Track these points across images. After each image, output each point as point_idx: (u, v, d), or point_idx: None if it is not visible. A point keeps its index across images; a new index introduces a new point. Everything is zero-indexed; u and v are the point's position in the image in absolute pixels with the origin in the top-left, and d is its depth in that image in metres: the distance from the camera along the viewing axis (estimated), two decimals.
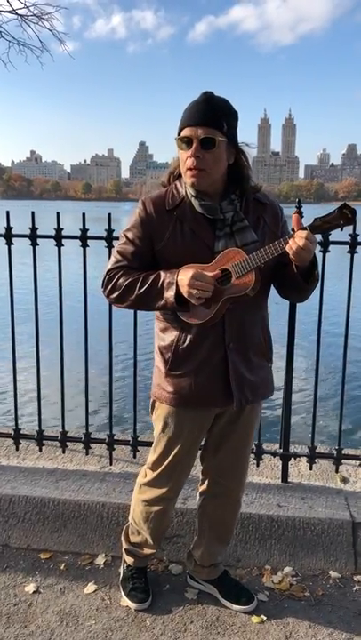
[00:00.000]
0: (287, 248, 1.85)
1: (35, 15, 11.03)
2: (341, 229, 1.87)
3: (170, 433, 2.21)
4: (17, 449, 3.33)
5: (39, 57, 11.19)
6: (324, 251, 2.85)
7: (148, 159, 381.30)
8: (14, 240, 3.04)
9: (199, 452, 2.37)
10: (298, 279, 1.98)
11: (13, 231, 3.01)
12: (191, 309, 1.99)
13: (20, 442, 3.32)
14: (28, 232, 2.98)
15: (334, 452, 3.10)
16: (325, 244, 2.84)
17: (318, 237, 2.48)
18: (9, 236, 3.01)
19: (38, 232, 2.99)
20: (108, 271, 2.09)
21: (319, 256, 2.84)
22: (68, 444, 3.28)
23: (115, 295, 2.07)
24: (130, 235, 2.08)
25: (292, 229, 1.89)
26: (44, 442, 3.29)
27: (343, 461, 3.13)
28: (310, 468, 3.15)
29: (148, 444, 2.72)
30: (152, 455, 2.30)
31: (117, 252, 2.11)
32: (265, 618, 2.36)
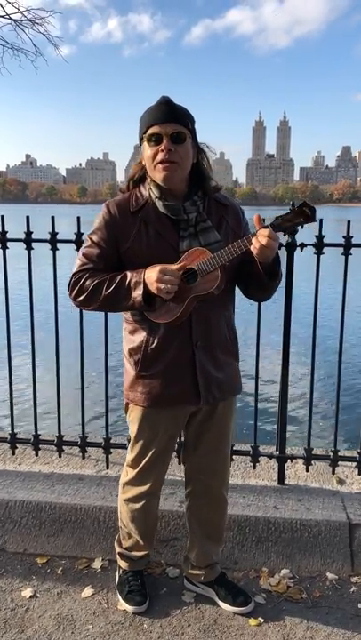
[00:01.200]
0: (251, 247, 1.90)
1: (28, 20, 11.05)
2: (302, 227, 1.93)
3: (145, 433, 2.26)
4: (13, 453, 3.33)
5: (33, 61, 11.21)
6: (318, 253, 2.87)
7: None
8: (9, 245, 3.05)
9: (181, 453, 2.41)
10: (262, 277, 2.04)
11: (9, 235, 3.01)
12: (158, 309, 2.03)
13: (17, 446, 3.32)
14: (23, 236, 2.98)
15: (331, 454, 3.10)
16: (319, 247, 2.85)
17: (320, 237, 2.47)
18: (3, 240, 3.01)
19: (34, 236, 2.99)
20: (74, 274, 2.12)
21: (313, 258, 2.87)
22: (64, 447, 3.28)
23: (81, 298, 2.09)
24: (95, 237, 2.12)
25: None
26: (40, 446, 3.29)
27: (339, 463, 3.14)
28: (307, 470, 3.15)
29: None
30: (130, 454, 2.34)
31: (83, 254, 2.14)
32: (262, 620, 2.35)
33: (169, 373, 2.13)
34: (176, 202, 2.06)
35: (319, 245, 2.84)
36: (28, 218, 2.94)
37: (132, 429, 2.29)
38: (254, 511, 2.83)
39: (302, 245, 2.88)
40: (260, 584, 2.57)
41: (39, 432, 3.27)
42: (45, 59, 11.08)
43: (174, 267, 1.97)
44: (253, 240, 1.89)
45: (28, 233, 2.98)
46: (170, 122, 1.99)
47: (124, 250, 2.09)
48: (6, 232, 3.01)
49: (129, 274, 2.02)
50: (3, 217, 2.97)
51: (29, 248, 3.02)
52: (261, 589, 2.54)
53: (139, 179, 2.14)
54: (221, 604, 2.44)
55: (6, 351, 3.23)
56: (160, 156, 2.00)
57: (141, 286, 1.97)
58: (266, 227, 1.89)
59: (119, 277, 2.03)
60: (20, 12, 11.09)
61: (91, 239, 2.13)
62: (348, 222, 2.79)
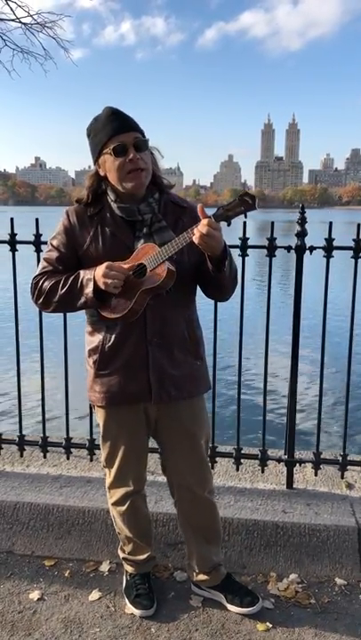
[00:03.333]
0: (194, 238, 1.93)
1: (38, 23, 11.10)
2: (245, 216, 1.95)
3: (111, 432, 2.31)
4: (21, 455, 3.33)
5: (43, 64, 11.25)
6: (328, 256, 2.85)
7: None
8: (19, 246, 3.06)
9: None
10: (211, 270, 2.06)
11: (20, 238, 3.03)
12: (111, 305, 2.09)
13: (25, 448, 3.32)
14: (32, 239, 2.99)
15: (340, 458, 3.08)
16: (329, 250, 2.84)
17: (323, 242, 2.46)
18: (13, 242, 3.03)
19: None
20: (34, 277, 2.20)
21: (323, 261, 2.86)
22: (72, 450, 3.28)
23: (41, 300, 2.18)
24: (54, 242, 2.21)
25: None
26: (48, 448, 3.29)
27: (348, 467, 3.11)
28: (315, 474, 3.13)
29: (154, 450, 2.72)
30: (102, 454, 2.38)
31: (44, 259, 2.23)
32: (270, 625, 2.34)
33: (125, 371, 2.18)
34: (131, 204, 2.12)
35: (329, 248, 2.83)
36: (12, 220, 2.95)
37: (100, 428, 2.36)
38: (263, 515, 2.81)
39: (312, 248, 2.87)
40: (268, 589, 2.56)
41: (47, 434, 3.27)
42: (55, 62, 11.12)
43: (124, 263, 2.05)
44: (195, 230, 1.93)
45: (13, 234, 3.02)
46: (129, 131, 2.06)
47: (81, 253, 2.16)
48: (16, 234, 3.02)
49: (82, 272, 2.10)
50: (12, 220, 2.98)
51: (14, 249, 3.07)
52: (270, 594, 2.52)
53: (98, 189, 2.18)
54: (229, 606, 2.43)
55: (15, 354, 3.23)
56: (130, 166, 2.05)
57: (92, 283, 2.04)
58: (208, 217, 1.93)
59: (73, 276, 2.11)
60: (30, 16, 11.15)
61: (51, 244, 2.22)
62: (359, 225, 2.77)
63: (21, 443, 3.28)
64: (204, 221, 1.92)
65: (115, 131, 2.04)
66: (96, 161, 2.13)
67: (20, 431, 3.28)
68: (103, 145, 2.07)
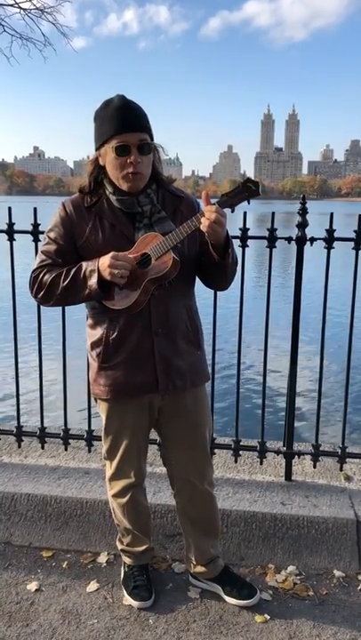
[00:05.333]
0: (201, 226, 1.92)
1: (37, 9, 10.97)
2: (248, 202, 1.95)
3: (114, 425, 2.28)
4: (19, 446, 3.32)
5: (42, 51, 11.13)
6: (329, 247, 2.83)
7: None
8: (16, 237, 3.03)
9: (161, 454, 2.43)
10: (214, 257, 2.05)
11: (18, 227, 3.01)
12: (116, 296, 2.06)
13: (23, 439, 3.30)
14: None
15: (338, 451, 3.08)
16: (330, 241, 2.81)
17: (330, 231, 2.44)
18: (11, 232, 3.00)
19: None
20: (33, 271, 2.16)
21: (323, 252, 2.84)
22: (70, 441, 3.27)
23: (41, 294, 2.13)
24: (52, 235, 2.16)
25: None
26: (46, 439, 3.27)
27: (347, 460, 3.10)
28: (314, 467, 3.13)
29: (152, 442, 2.71)
30: (103, 446, 2.36)
31: (41, 252, 2.18)
32: (268, 617, 2.34)
33: (130, 363, 2.16)
34: (129, 196, 2.09)
35: (330, 239, 2.81)
36: (10, 209, 2.93)
37: (102, 421, 2.33)
38: (261, 507, 2.80)
39: (312, 239, 2.85)
40: (266, 581, 2.55)
41: (45, 425, 3.26)
42: (55, 49, 10.99)
43: (128, 253, 2.02)
44: (202, 218, 1.92)
45: (10, 224, 2.98)
46: (137, 131, 2.01)
47: (80, 244, 2.12)
48: (14, 224, 2.99)
49: (84, 264, 2.06)
50: (10, 208, 2.95)
51: (12, 239, 3.03)
52: (268, 586, 2.52)
53: (98, 176, 2.14)
54: (227, 598, 2.42)
55: (12, 343, 3.21)
56: (129, 168, 2.02)
57: (96, 274, 2.00)
58: (212, 204, 1.93)
59: (75, 268, 2.07)
60: (30, 1, 11.01)
61: (48, 236, 2.17)
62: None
63: (19, 433, 3.27)
64: (212, 208, 1.91)
65: (121, 127, 1.99)
66: (98, 149, 2.08)
67: (18, 422, 3.27)
68: (106, 139, 2.02)
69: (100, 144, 2.06)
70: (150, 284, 2.03)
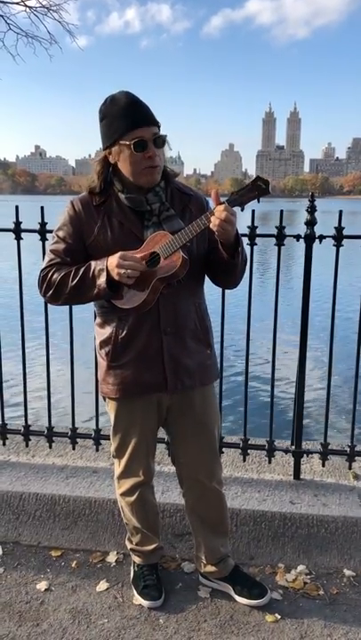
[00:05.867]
0: (211, 225, 1.91)
1: (43, 7, 10.92)
2: (258, 201, 1.93)
3: (122, 424, 2.28)
4: (27, 445, 3.31)
5: (48, 49, 11.07)
6: (338, 245, 2.81)
7: None
8: (24, 235, 3.02)
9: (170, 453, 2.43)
10: (224, 256, 2.04)
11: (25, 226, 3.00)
12: (125, 296, 2.05)
13: (30, 438, 3.30)
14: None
15: (347, 449, 3.06)
16: (339, 238, 2.80)
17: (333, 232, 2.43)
18: (18, 230, 2.99)
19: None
20: (42, 270, 2.14)
21: (332, 250, 2.82)
22: (78, 440, 3.26)
23: (50, 293, 2.12)
24: (60, 233, 2.14)
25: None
26: (53, 438, 3.27)
27: (356, 458, 3.09)
28: (323, 465, 3.11)
29: (161, 441, 2.70)
30: (112, 445, 2.36)
31: (50, 251, 2.17)
32: (279, 617, 2.33)
33: (139, 362, 2.15)
34: (138, 194, 2.07)
35: (339, 237, 2.79)
36: (17, 208, 2.92)
37: (110, 419, 2.32)
38: (270, 506, 2.79)
39: (321, 237, 2.84)
40: (276, 580, 2.54)
41: (53, 425, 3.25)
42: (60, 46, 10.90)
43: (137, 252, 2.00)
44: (212, 217, 1.90)
45: (17, 223, 2.98)
46: (149, 125, 2.00)
47: (89, 243, 2.11)
48: (20, 223, 2.98)
49: (93, 263, 2.04)
50: (17, 207, 2.94)
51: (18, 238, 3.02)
52: (278, 586, 2.51)
53: (107, 175, 2.13)
54: (237, 597, 2.41)
55: (20, 343, 3.20)
56: (147, 162, 2.01)
57: (105, 273, 1.99)
58: (222, 203, 1.92)
59: (84, 267, 2.05)
60: None
61: (57, 235, 2.15)
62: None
63: (27, 433, 3.26)
64: (221, 207, 1.90)
65: (136, 123, 1.98)
66: (108, 147, 2.06)
67: (26, 421, 3.26)
68: (121, 135, 2.00)
69: (112, 142, 2.03)
70: (159, 283, 2.01)
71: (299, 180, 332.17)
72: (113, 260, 1.98)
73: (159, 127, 2.04)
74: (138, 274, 1.97)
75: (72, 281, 2.06)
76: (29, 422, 3.29)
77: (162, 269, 1.99)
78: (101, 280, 2.00)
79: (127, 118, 1.98)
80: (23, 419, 3.29)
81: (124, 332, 2.14)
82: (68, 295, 2.09)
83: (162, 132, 2.04)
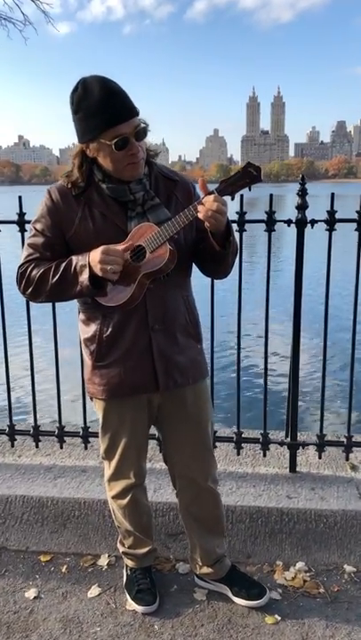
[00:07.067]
0: (201, 215, 1.79)
1: None
2: (250, 189, 1.81)
3: (111, 425, 2.17)
4: (12, 445, 3.19)
5: (22, 31, 10.69)
6: (330, 229, 2.70)
7: None
8: (2, 227, 2.88)
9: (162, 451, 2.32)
10: (214, 246, 1.91)
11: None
12: (109, 292, 1.92)
13: (16, 438, 3.17)
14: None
15: (344, 440, 2.97)
16: (331, 223, 2.68)
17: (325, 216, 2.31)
18: None
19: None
20: (20, 266, 2.00)
21: (325, 234, 2.71)
22: (65, 438, 3.14)
23: (30, 290, 1.98)
24: (38, 226, 2.00)
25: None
26: (40, 437, 3.15)
27: (353, 449, 3.00)
28: (320, 457, 3.02)
29: (151, 437, 2.58)
30: (101, 446, 2.25)
31: (28, 245, 2.02)
32: (279, 618, 2.24)
33: (126, 361, 2.03)
34: (120, 183, 1.93)
35: (331, 221, 2.67)
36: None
37: (99, 420, 2.21)
38: (266, 502, 2.70)
39: (313, 222, 2.72)
40: (274, 579, 2.45)
41: (39, 422, 3.13)
42: (35, 28, 10.53)
43: (120, 246, 1.87)
44: (200, 207, 1.78)
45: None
46: (130, 118, 1.83)
47: (69, 236, 1.97)
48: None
49: (74, 258, 1.90)
50: (20, 197, 2.78)
51: None
52: (277, 584, 2.42)
53: (87, 168, 1.96)
54: (235, 599, 2.32)
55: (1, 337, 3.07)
56: (131, 159, 1.87)
57: (87, 269, 1.85)
58: (211, 192, 1.79)
59: (65, 263, 1.91)
60: None
61: (35, 228, 2.01)
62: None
63: (12, 432, 3.14)
64: (211, 197, 1.77)
65: (116, 120, 1.80)
66: (86, 143, 1.89)
67: (10, 420, 3.13)
68: (100, 133, 1.82)
69: (89, 139, 1.86)
70: (145, 278, 1.89)
71: (284, 165, 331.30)
72: (95, 256, 1.84)
73: (138, 114, 1.86)
74: (120, 269, 1.84)
75: (52, 278, 1.92)
76: (16, 421, 3.17)
77: (148, 264, 1.87)
78: (84, 277, 1.86)
79: (104, 115, 1.80)
80: (8, 417, 3.17)
81: (110, 330, 2.02)
82: (49, 293, 1.96)
83: (141, 119, 1.86)
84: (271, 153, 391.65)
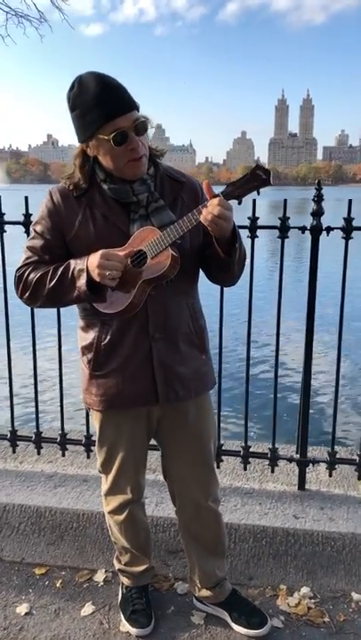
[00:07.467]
0: (202, 219, 1.67)
1: None
2: (258, 193, 1.69)
3: (108, 437, 2.08)
4: (14, 451, 3.11)
5: (38, 28, 10.52)
6: (347, 237, 2.57)
7: (165, 141, 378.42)
8: (7, 227, 2.81)
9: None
10: (219, 253, 1.80)
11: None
12: (108, 299, 1.82)
13: (17, 444, 3.10)
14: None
15: (356, 458, 2.83)
16: (348, 230, 2.55)
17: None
18: (1, 223, 2.78)
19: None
20: (18, 269, 1.91)
21: (341, 243, 2.58)
22: (68, 446, 3.06)
23: (27, 294, 1.90)
24: (38, 228, 1.92)
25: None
26: (42, 444, 3.07)
27: None
28: (330, 475, 2.88)
29: (154, 448, 2.49)
30: (98, 459, 2.16)
31: (27, 247, 1.93)
32: None
33: (125, 370, 1.93)
34: (123, 184, 1.83)
35: (348, 229, 2.54)
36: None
37: (96, 432, 2.12)
38: (272, 521, 2.58)
39: (328, 229, 2.59)
40: (277, 604, 2.33)
41: (43, 429, 3.05)
42: (50, 25, 10.38)
43: (120, 250, 1.77)
44: (204, 211, 1.67)
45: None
46: (129, 111, 1.74)
47: (70, 238, 1.88)
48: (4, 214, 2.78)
49: (73, 262, 1.82)
50: (27, 198, 2.71)
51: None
52: (279, 611, 2.30)
53: (89, 168, 1.88)
54: (234, 626, 2.20)
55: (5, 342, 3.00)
56: (131, 155, 1.77)
57: (85, 274, 1.76)
58: (216, 195, 1.68)
59: (62, 267, 1.82)
60: None
61: (34, 230, 1.93)
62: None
63: (13, 438, 3.06)
64: (215, 201, 1.66)
65: (112, 113, 1.71)
66: (85, 141, 1.81)
67: (12, 425, 3.06)
68: (97, 129, 1.74)
69: (88, 136, 1.78)
70: (146, 284, 1.79)
71: (312, 168, 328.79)
72: (94, 260, 1.75)
73: (138, 109, 1.78)
74: (120, 274, 1.75)
75: (50, 282, 1.83)
76: (26, 427, 3.10)
77: (149, 270, 1.77)
78: (81, 282, 1.77)
79: (101, 108, 1.71)
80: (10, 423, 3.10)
81: (108, 338, 1.92)
82: (46, 297, 1.87)
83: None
84: (299, 156, 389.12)
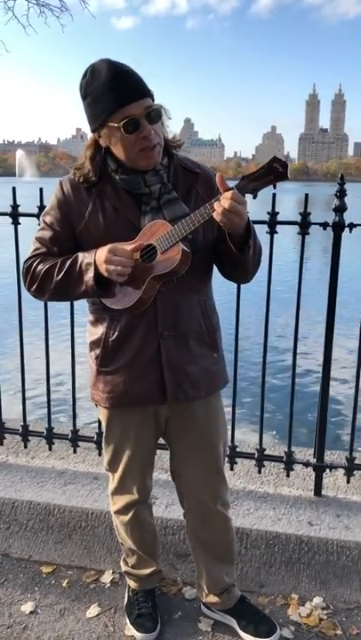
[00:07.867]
0: (214, 214, 1.60)
1: None
2: (274, 186, 1.60)
3: (114, 435, 2.03)
4: (25, 446, 3.08)
5: (59, 17, 10.40)
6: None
7: (194, 136, 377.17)
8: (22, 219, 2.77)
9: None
10: (232, 249, 1.73)
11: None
12: (117, 294, 1.76)
13: (29, 439, 3.07)
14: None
15: None
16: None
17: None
18: (15, 214, 2.74)
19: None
20: (26, 261, 1.87)
21: (345, 237, 2.49)
22: (80, 443, 3.01)
23: (35, 287, 1.85)
24: (47, 219, 1.87)
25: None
26: (54, 440, 3.03)
27: None
28: (348, 481, 2.79)
29: (164, 447, 2.43)
30: (104, 456, 2.11)
31: (36, 239, 1.88)
32: None
33: (132, 368, 1.86)
34: (135, 174, 1.76)
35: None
36: (14, 189, 2.66)
37: (103, 429, 2.08)
38: (285, 527, 2.50)
39: (351, 225, 2.49)
40: (288, 614, 2.25)
41: (53, 425, 3.02)
42: (71, 14, 10.27)
43: (130, 245, 1.71)
44: (216, 204, 1.59)
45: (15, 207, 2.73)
46: (141, 97, 1.67)
47: (79, 230, 1.82)
48: (18, 206, 2.73)
49: (80, 255, 1.76)
50: (14, 188, 2.68)
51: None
52: (289, 620, 2.22)
53: (100, 160, 1.82)
54: (242, 634, 2.13)
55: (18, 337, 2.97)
56: (143, 143, 1.70)
57: (92, 268, 1.70)
58: (230, 189, 1.60)
59: (70, 260, 1.77)
60: None
61: (44, 221, 1.89)
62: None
63: (25, 433, 3.03)
64: (228, 194, 1.58)
65: (123, 100, 1.65)
66: (96, 130, 1.75)
67: (24, 420, 3.03)
68: (108, 116, 1.69)
69: (98, 125, 1.72)
70: (155, 280, 1.72)
71: (342, 164, 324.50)
72: (102, 254, 1.69)
73: (153, 97, 1.71)
74: (129, 270, 1.69)
75: (57, 275, 1.78)
76: (33, 422, 3.07)
77: (159, 266, 1.70)
78: (89, 276, 1.72)
79: (112, 95, 1.65)
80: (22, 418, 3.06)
81: (116, 334, 1.86)
82: (54, 290, 1.82)
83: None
84: (329, 151, 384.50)
